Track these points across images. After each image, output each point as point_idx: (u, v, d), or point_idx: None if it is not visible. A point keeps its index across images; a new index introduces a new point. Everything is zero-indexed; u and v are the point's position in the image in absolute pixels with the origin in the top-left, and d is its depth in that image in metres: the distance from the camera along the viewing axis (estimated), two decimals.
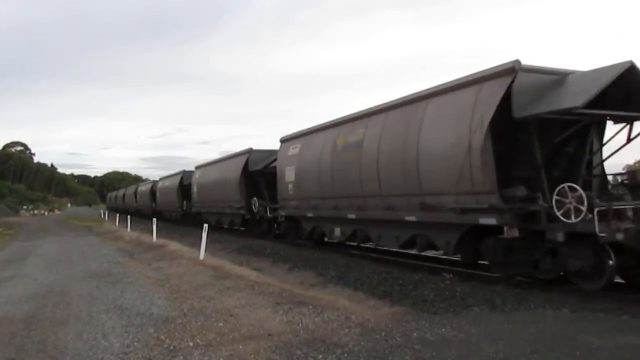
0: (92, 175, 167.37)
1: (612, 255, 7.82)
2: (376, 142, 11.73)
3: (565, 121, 8.75)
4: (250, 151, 21.43)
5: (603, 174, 10.01)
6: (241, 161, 21.63)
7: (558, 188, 8.20)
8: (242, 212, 21.55)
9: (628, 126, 9.24)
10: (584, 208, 7.80)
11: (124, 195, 62.58)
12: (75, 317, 7.60)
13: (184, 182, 32.36)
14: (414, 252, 12.29)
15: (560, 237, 8.15)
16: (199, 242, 15.20)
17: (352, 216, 12.99)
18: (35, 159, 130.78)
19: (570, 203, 7.98)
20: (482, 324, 6.45)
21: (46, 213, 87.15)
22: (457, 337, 5.91)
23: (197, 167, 30.21)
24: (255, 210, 20.40)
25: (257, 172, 20.76)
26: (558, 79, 8.92)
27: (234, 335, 6.25)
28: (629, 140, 9.28)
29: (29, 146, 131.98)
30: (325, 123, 15.01)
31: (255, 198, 20.41)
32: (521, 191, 8.84)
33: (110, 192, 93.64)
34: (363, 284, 9.82)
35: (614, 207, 8.11)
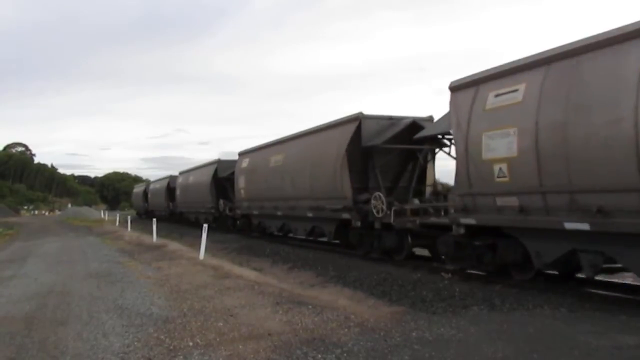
0: (93, 175, 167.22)
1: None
2: None
3: None
4: (360, 117, 13.25)
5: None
6: (345, 135, 13.34)
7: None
8: (345, 216, 13.32)
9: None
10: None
11: (131, 195, 56.63)
12: (76, 317, 7.62)
13: (219, 175, 24.91)
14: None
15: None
16: (198, 242, 15.23)
17: None
18: (36, 160, 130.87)
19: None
20: (481, 323, 6.47)
21: (46, 213, 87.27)
22: (456, 336, 5.94)
23: (242, 154, 21.91)
24: (379, 214, 12.23)
25: (376, 152, 13.36)
26: None
27: (233, 335, 6.27)
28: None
29: (30, 147, 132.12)
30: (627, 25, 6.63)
31: (378, 194, 12.43)
32: None
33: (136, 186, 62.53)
34: (362, 283, 9.85)
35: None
